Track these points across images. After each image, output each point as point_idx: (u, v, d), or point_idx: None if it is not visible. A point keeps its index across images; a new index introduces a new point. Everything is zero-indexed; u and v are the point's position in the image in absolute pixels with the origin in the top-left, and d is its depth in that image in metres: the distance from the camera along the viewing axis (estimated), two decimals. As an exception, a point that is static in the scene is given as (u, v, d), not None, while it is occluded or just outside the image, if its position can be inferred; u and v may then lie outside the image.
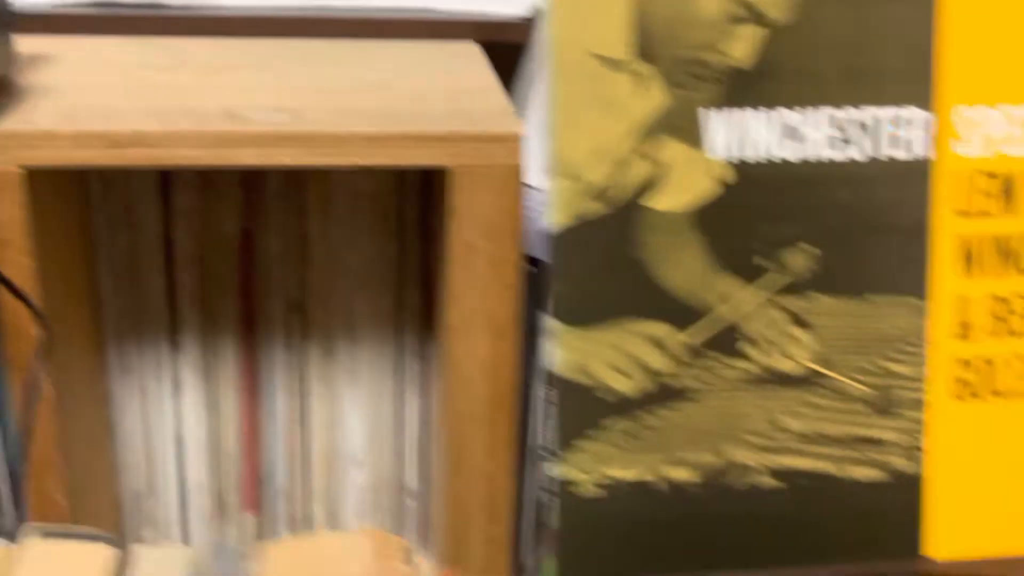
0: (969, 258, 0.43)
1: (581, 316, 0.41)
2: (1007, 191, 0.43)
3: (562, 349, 0.41)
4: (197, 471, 0.76)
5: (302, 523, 0.79)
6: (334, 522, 0.80)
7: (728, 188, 0.41)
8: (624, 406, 0.42)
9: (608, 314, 0.41)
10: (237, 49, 0.68)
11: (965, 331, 0.43)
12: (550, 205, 0.40)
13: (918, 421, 0.44)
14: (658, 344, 0.42)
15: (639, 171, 0.41)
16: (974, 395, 0.44)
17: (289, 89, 0.59)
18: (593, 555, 0.41)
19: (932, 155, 0.42)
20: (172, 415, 0.75)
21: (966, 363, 0.44)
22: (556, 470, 0.41)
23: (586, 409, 0.41)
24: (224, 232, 0.71)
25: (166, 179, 0.70)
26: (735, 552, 0.43)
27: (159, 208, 0.70)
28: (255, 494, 0.78)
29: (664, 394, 0.42)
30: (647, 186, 0.41)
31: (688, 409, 0.42)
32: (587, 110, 0.40)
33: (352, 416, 0.76)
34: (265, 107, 0.58)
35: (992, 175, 0.43)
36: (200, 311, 0.73)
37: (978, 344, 0.43)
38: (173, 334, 0.73)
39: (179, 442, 0.76)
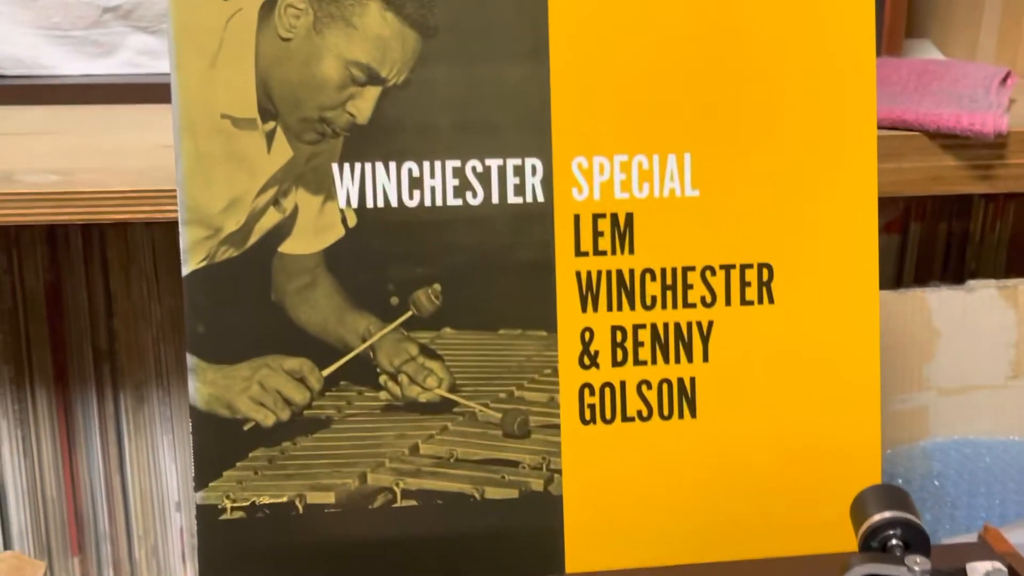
0: (590, 293, 0.47)
1: (221, 353, 0.45)
2: (620, 232, 0.47)
3: (202, 384, 0.45)
4: (18, 517, 0.80)
5: (127, 565, 0.82)
6: (157, 564, 0.83)
7: (357, 233, 0.46)
8: (266, 436, 0.46)
9: (248, 351, 0.45)
10: (56, 115, 0.71)
11: (590, 360, 0.47)
12: (184, 251, 0.44)
13: (552, 444, 0.47)
14: (298, 378, 0.46)
15: (270, 219, 0.45)
16: (602, 419, 0.47)
17: (80, 150, 0.63)
18: (232, 571, 0.45)
19: (551, 200, 0.47)
20: (-8, 463, 0.78)
21: (592, 389, 0.47)
22: (198, 497, 0.45)
23: (228, 440, 0.45)
24: (31, 288, 0.75)
25: (-26, 238, 0.74)
26: (377, 569, 0.46)
27: (-33, 266, 0.74)
28: (79, 538, 0.81)
29: (305, 424, 0.46)
30: (278, 232, 0.45)
31: (329, 437, 0.46)
32: (219, 164, 0.44)
33: (168, 460, 0.80)
34: (43, 169, 0.62)
35: (606, 217, 0.47)
36: (14, 363, 0.77)
37: (602, 372, 0.47)
38: (-11, 386, 0.77)
39: (0, 489, 0.79)
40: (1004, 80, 0.72)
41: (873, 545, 0.43)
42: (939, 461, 0.68)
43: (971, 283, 0.69)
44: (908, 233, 0.83)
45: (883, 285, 0.81)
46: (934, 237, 0.83)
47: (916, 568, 0.40)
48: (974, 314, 0.69)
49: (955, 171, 0.67)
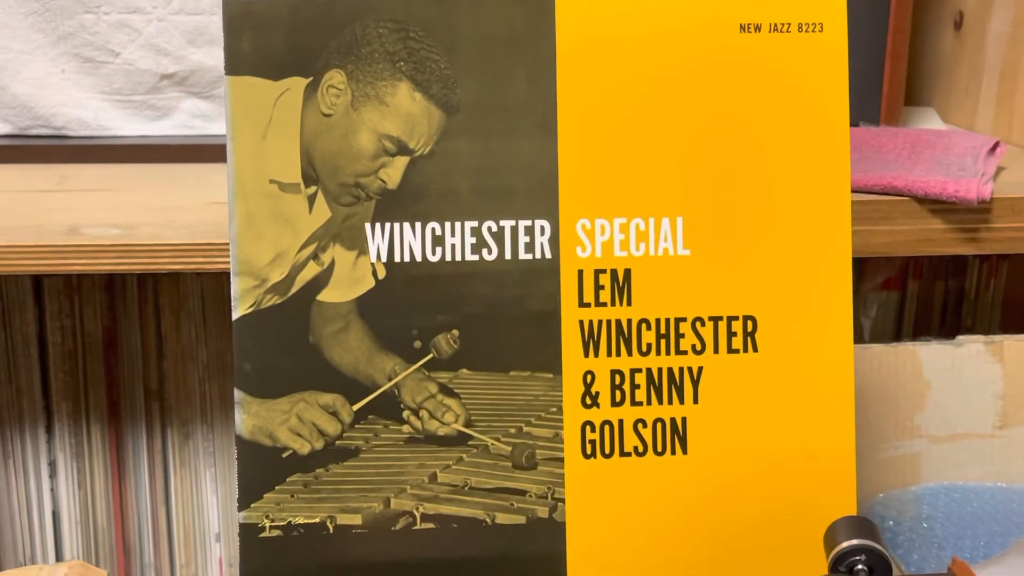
0: (592, 340, 0.53)
1: (264, 389, 0.51)
2: (619, 285, 0.53)
3: (247, 416, 0.51)
4: (71, 544, 0.86)
5: (169, 594, 0.88)
6: (198, 593, 0.88)
7: (385, 284, 0.52)
8: (302, 463, 0.51)
9: (288, 387, 0.51)
10: (118, 173, 0.78)
11: (591, 400, 0.53)
12: (235, 298, 0.51)
13: (556, 475, 0.52)
14: (331, 411, 0.51)
15: (310, 271, 0.51)
16: (602, 453, 0.53)
17: (138, 206, 0.70)
18: (271, 586, 0.50)
19: (558, 257, 0.52)
20: (49, 494, 0.84)
21: (593, 427, 0.53)
22: (241, 517, 0.51)
23: (268, 466, 0.51)
24: (90, 331, 0.82)
25: (38, 285, 0.81)
26: (398, 585, 0.51)
27: (33, 311, 0.81)
28: (125, 565, 0.87)
29: (337, 453, 0.52)
30: (317, 283, 0.51)
31: (357, 465, 0.52)
32: (267, 223, 0.51)
33: (210, 493, 0.86)
34: (105, 223, 0.69)
35: (606, 272, 0.53)
36: (72, 401, 0.83)
37: (602, 411, 0.53)
38: (48, 421, 0.83)
39: (56, 518, 0.85)
40: (993, 149, 0.77)
41: (841, 570, 0.47)
42: (929, 505, 0.73)
43: (960, 338, 0.74)
44: (906, 290, 0.88)
45: (882, 339, 0.86)
46: (931, 294, 0.88)
47: (874, 589, 0.44)
48: (962, 367, 0.74)
49: (943, 234, 0.72)
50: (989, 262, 0.87)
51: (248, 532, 0.51)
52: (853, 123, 0.86)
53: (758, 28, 0.53)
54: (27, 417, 0.83)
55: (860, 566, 0.47)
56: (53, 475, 0.84)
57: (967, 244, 0.73)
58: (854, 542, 0.47)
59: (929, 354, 0.74)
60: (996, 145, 0.77)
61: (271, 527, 0.51)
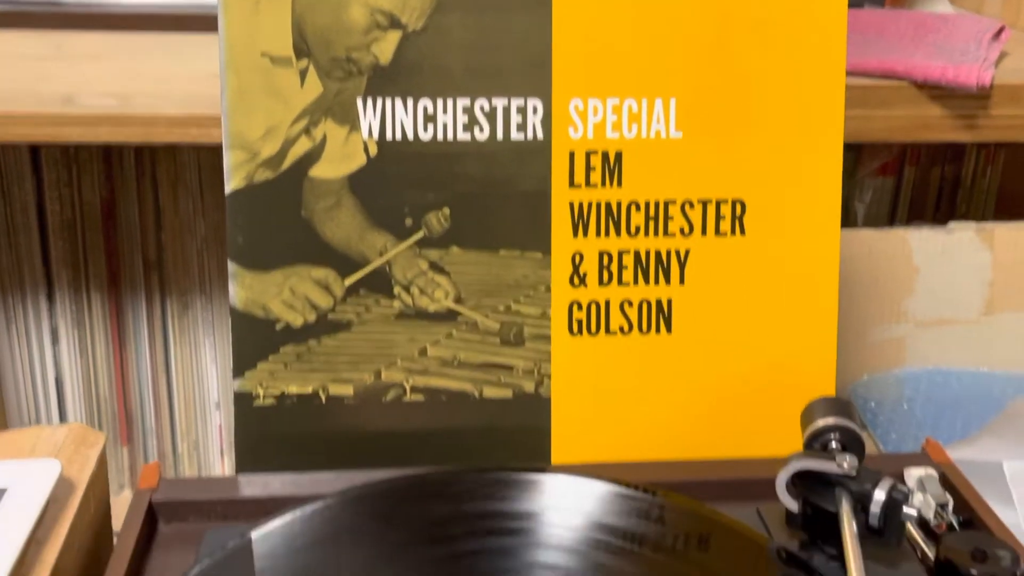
0: (581, 221, 0.53)
1: (257, 261, 0.52)
2: (610, 167, 0.53)
3: (241, 288, 0.52)
4: (75, 410, 0.88)
5: (171, 457, 0.91)
6: (198, 457, 0.91)
7: (377, 161, 0.52)
8: (295, 335, 0.53)
9: (281, 260, 0.52)
10: (115, 41, 0.77)
11: (579, 280, 0.53)
12: (227, 172, 0.51)
13: (543, 352, 0.54)
14: (323, 285, 0.52)
15: (302, 146, 0.51)
16: (588, 331, 0.54)
17: (133, 77, 0.69)
18: (266, 454, 0.52)
19: (550, 137, 0.52)
20: (52, 360, 0.86)
21: (580, 305, 0.54)
22: (235, 385, 0.52)
23: (261, 337, 0.52)
24: (88, 201, 0.82)
25: (36, 155, 0.81)
26: (388, 454, 0.53)
27: (31, 181, 0.81)
28: (128, 431, 0.90)
29: (329, 326, 0.53)
30: (309, 158, 0.52)
31: (349, 338, 0.53)
32: (258, 97, 0.51)
33: (209, 361, 0.88)
34: (101, 93, 0.69)
35: (598, 154, 0.53)
36: (72, 269, 0.84)
37: (589, 291, 0.53)
38: (49, 289, 0.84)
39: (59, 384, 0.87)
40: (997, 34, 0.76)
41: (815, 446, 0.49)
42: (911, 388, 0.74)
43: (951, 224, 0.74)
44: (902, 176, 0.88)
45: (876, 224, 0.86)
46: (927, 181, 0.88)
47: (845, 465, 0.46)
48: (953, 253, 0.74)
49: (941, 120, 0.72)
50: (987, 150, 0.87)
51: (242, 401, 0.52)
52: (857, 4, 0.85)
53: (759, -95, 0.52)
54: (28, 284, 0.85)
55: (834, 444, 0.48)
56: (55, 342, 0.86)
57: (965, 131, 0.72)
58: (829, 420, 0.49)
59: (920, 240, 0.74)
60: (1001, 30, 0.76)
61: (264, 396, 0.52)
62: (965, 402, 0.73)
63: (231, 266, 0.52)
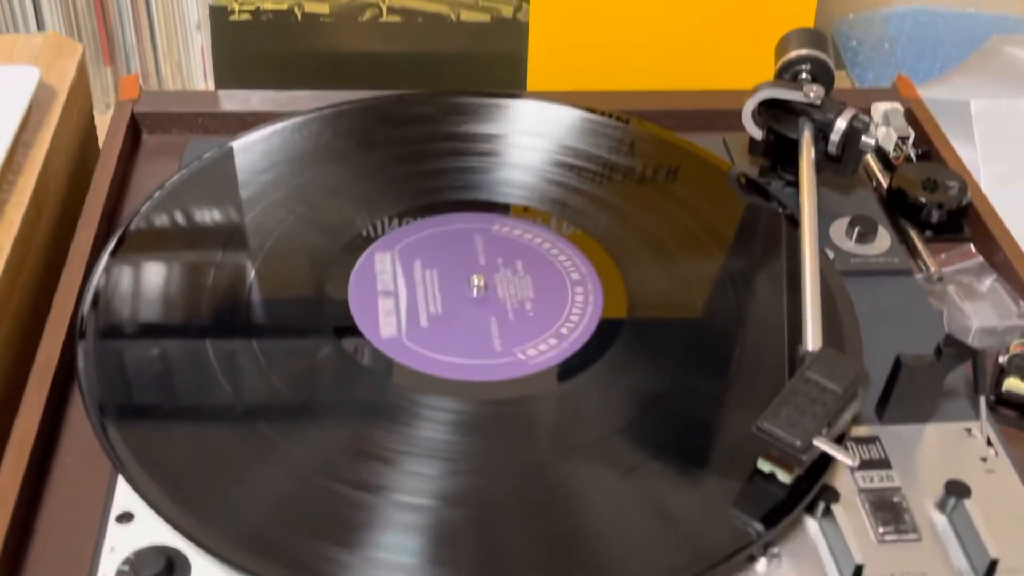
0: None
1: None
2: None
3: None
4: (52, 21, 0.87)
5: (155, 77, 0.91)
6: (182, 77, 0.91)
7: None
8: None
9: None
10: None
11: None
12: None
13: (522, -20, 0.53)
14: None
15: None
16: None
17: None
18: (244, 71, 0.53)
19: None
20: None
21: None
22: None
23: None
24: None
25: None
26: (365, 76, 0.54)
27: None
28: (110, 50, 0.89)
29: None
30: None
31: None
32: None
33: (189, -15, 0.85)
34: None
35: None
36: None
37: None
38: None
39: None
40: None
41: (785, 77, 0.49)
42: (895, 27, 0.74)
43: None
44: None
45: None
46: None
47: (811, 95, 0.47)
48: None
49: None
50: None
51: (218, 15, 0.52)
52: None
53: None
54: None
55: (804, 75, 0.49)
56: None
57: None
58: (802, 52, 0.49)
59: None
60: None
61: (240, 11, 0.52)
62: (947, 44, 0.73)
63: None
